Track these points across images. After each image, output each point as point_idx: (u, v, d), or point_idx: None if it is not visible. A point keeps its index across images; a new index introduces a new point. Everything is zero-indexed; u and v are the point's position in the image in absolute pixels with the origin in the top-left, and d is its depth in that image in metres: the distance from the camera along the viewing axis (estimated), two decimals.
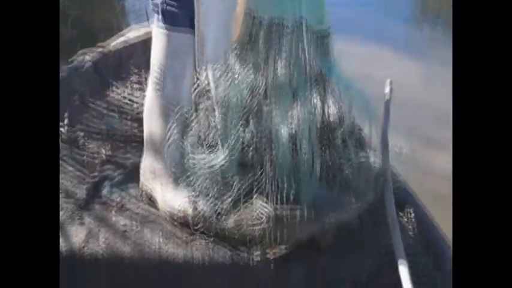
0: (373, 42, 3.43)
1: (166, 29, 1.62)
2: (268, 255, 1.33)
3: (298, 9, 1.34)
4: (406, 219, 1.53)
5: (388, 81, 1.60)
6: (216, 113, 1.43)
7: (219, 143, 1.39)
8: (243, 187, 1.36)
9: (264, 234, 1.31)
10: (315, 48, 1.37)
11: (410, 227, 1.53)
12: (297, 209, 1.32)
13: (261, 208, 1.31)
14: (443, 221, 1.45)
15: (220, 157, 1.37)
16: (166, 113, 1.54)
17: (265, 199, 1.33)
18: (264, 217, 1.30)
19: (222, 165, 1.37)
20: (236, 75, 1.40)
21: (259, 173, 1.36)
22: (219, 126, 1.39)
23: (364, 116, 1.45)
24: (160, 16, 1.61)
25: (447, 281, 1.29)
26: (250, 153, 1.39)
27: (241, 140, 1.38)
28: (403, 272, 1.24)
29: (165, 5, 1.60)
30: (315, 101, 1.41)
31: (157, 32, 1.63)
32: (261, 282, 1.34)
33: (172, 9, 1.60)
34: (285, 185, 1.33)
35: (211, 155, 1.38)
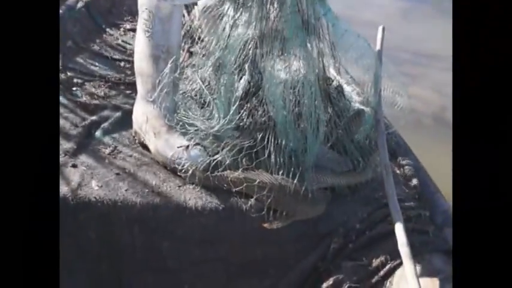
0: None
1: None
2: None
3: None
4: (399, 171, 1.53)
5: (380, 28, 1.56)
6: (209, 64, 1.42)
7: (212, 103, 1.37)
8: (241, 147, 1.33)
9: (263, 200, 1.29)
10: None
11: (402, 179, 1.51)
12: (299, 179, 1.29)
13: (264, 177, 1.28)
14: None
15: (214, 124, 1.35)
16: (156, 55, 1.48)
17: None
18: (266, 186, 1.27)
19: (218, 131, 1.35)
20: (231, 21, 1.38)
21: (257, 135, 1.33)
22: (211, 82, 1.39)
23: (361, 63, 1.44)
24: None
25: (440, 235, 1.35)
26: (248, 113, 1.36)
27: (237, 101, 1.34)
28: (396, 219, 1.24)
29: None
30: (313, 53, 1.39)
31: None
32: (247, 224, 1.32)
33: None
34: (286, 146, 1.32)
35: (206, 122, 1.37)
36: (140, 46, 1.53)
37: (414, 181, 1.50)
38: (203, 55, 1.43)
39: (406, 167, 1.52)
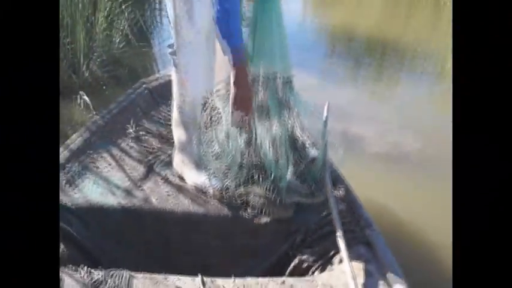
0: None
1: (174, 72, 2.03)
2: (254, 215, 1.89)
3: (275, 66, 1.96)
4: (337, 193, 2.01)
5: (326, 104, 2.17)
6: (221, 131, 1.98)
7: (222, 154, 1.94)
8: (242, 175, 1.92)
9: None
10: (284, 87, 1.99)
11: (340, 198, 2.00)
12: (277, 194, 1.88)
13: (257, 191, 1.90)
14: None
15: (226, 165, 1.93)
16: (186, 126, 2.03)
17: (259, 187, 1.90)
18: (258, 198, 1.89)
19: (228, 168, 1.93)
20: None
21: (253, 169, 1.92)
22: (220, 141, 1.95)
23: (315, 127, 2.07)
24: (172, 61, 2.02)
25: (362, 233, 1.82)
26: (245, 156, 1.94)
27: (239, 150, 1.93)
28: (337, 226, 1.76)
29: (170, 50, 2.02)
30: (286, 120, 1.98)
31: (173, 72, 2.04)
32: (246, 226, 1.89)
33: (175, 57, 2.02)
34: (270, 175, 1.89)
35: (220, 164, 1.94)
36: (176, 119, 2.07)
37: (346, 199, 2.00)
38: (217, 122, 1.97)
39: (341, 190, 2.03)
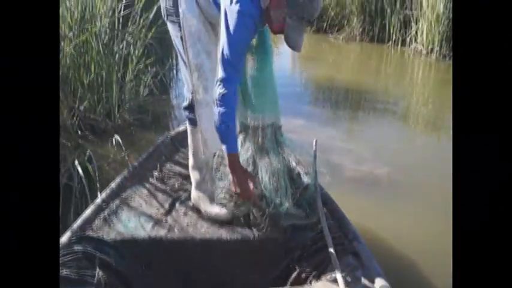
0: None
1: (189, 127, 2.14)
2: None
3: (270, 117, 2.02)
4: (326, 211, 2.06)
5: (315, 140, 2.23)
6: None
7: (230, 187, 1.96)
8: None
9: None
10: (278, 132, 2.06)
11: (329, 215, 2.05)
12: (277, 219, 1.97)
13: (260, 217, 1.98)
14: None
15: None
16: (200, 168, 2.13)
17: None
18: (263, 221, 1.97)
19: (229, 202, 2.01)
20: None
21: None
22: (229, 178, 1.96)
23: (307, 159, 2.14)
24: (187, 118, 2.14)
25: (351, 245, 1.86)
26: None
27: None
28: (329, 243, 1.82)
29: (186, 112, 2.12)
30: (283, 157, 2.05)
31: (188, 125, 2.14)
32: (253, 245, 1.96)
33: (190, 116, 2.11)
34: (271, 203, 1.97)
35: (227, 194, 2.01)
36: (191, 164, 2.18)
37: (335, 216, 2.04)
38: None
39: (330, 209, 2.08)
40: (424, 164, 3.78)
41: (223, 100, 1.78)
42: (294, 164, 2.14)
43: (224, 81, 1.78)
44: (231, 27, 1.74)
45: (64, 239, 1.76)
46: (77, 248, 1.75)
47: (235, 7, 1.72)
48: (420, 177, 3.49)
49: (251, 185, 1.91)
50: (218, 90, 1.78)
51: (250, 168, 2.01)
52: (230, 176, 1.91)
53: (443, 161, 3.49)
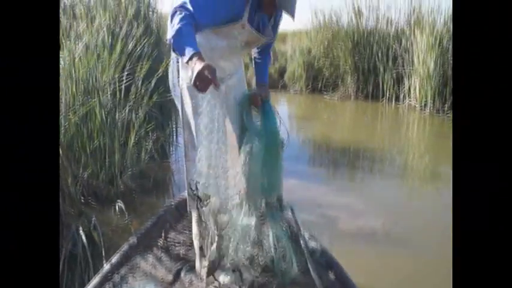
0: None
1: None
2: None
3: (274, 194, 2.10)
4: (333, 276, 2.05)
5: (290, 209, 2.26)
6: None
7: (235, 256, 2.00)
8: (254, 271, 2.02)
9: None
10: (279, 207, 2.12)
11: (336, 281, 2.02)
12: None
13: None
14: None
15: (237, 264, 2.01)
16: (203, 237, 2.07)
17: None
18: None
19: (234, 270, 2.01)
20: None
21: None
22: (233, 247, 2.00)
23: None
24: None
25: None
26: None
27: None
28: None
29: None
30: (287, 223, 2.12)
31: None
32: None
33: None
34: (279, 267, 1.98)
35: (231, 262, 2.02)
36: (194, 229, 2.20)
37: (340, 279, 2.01)
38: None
39: (335, 271, 2.06)
40: (422, 216, 3.84)
41: (178, 34, 1.76)
42: (296, 230, 2.17)
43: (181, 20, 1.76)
44: None
45: None
46: None
47: None
48: (418, 230, 3.53)
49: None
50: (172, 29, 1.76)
51: (252, 236, 2.03)
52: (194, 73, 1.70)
53: (441, 213, 3.58)
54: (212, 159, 1.96)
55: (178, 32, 1.74)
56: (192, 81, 1.69)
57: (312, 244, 2.19)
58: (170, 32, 1.77)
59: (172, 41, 1.76)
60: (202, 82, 1.68)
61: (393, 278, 2.90)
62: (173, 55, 2.17)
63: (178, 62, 2.14)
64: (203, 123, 1.94)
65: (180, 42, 1.75)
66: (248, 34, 2.01)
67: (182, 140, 2.21)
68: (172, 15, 1.79)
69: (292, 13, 1.85)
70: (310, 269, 2.00)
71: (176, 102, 2.21)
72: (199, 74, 1.67)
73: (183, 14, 1.77)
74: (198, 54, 1.70)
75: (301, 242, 2.13)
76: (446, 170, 4.80)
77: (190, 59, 1.70)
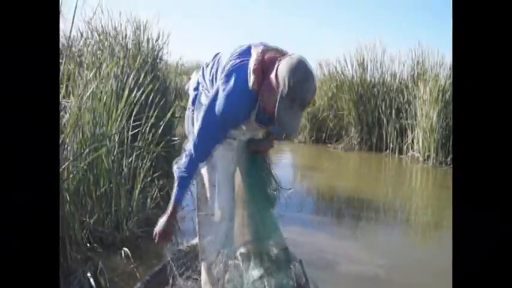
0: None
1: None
2: None
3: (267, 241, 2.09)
4: None
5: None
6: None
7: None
8: None
9: None
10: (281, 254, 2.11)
11: None
12: None
13: None
14: None
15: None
16: (212, 283, 2.17)
17: None
18: None
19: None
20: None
21: None
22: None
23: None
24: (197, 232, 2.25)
25: None
26: None
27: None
28: None
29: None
30: (292, 275, 2.06)
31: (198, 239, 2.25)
32: None
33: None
34: None
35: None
36: (203, 276, 2.21)
37: None
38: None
39: None
40: (423, 263, 3.88)
41: (187, 169, 1.98)
42: (303, 283, 2.14)
43: (194, 157, 1.96)
44: (218, 105, 1.83)
45: None
46: None
47: (227, 86, 1.81)
48: (420, 276, 3.58)
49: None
50: (185, 160, 1.98)
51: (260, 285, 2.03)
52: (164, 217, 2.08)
53: (442, 259, 3.60)
54: (225, 212, 2.08)
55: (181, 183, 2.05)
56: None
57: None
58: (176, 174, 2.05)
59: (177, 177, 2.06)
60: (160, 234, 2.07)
61: None
62: (189, 103, 2.28)
63: (193, 111, 2.24)
64: (218, 178, 2.10)
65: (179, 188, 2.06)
66: (253, 126, 2.07)
67: (195, 192, 2.28)
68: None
69: (291, 132, 1.83)
70: None
71: None
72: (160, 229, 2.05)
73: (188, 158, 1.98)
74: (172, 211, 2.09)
75: None
76: (449, 220, 4.84)
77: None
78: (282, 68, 1.71)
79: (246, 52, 1.86)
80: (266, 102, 1.79)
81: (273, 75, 1.74)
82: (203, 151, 1.95)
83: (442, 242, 4.50)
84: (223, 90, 1.81)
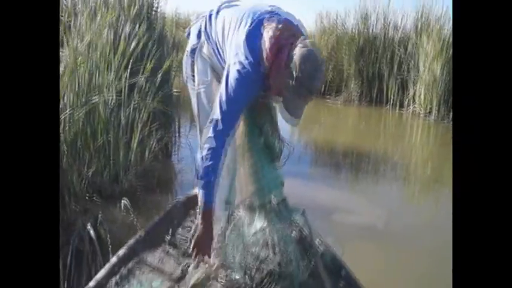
0: None
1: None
2: None
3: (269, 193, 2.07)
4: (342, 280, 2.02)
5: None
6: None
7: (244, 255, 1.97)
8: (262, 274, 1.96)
9: None
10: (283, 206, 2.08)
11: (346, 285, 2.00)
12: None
13: None
14: None
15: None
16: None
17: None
18: None
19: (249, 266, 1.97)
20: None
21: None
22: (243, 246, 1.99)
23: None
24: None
25: None
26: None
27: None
28: None
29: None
30: (293, 227, 2.07)
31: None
32: None
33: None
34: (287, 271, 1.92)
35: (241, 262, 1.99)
36: None
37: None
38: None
39: (347, 280, 2.03)
40: (422, 216, 3.97)
41: (211, 153, 1.85)
42: (306, 233, 2.15)
43: (215, 134, 1.85)
44: (231, 84, 1.82)
45: None
46: None
47: (238, 66, 1.81)
48: (419, 229, 3.65)
49: (211, 248, 1.94)
50: (207, 144, 1.86)
51: (260, 239, 2.03)
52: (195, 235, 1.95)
53: (441, 216, 3.65)
54: (228, 160, 2.01)
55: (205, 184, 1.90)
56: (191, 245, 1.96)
57: (322, 248, 2.18)
58: (200, 169, 1.89)
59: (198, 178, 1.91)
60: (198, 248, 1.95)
61: (394, 274, 2.99)
62: (188, 48, 2.25)
63: (193, 58, 2.21)
64: None
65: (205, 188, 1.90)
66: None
67: (198, 136, 2.23)
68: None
69: (295, 116, 1.85)
70: (320, 273, 2.00)
71: (190, 92, 2.26)
72: (197, 241, 1.94)
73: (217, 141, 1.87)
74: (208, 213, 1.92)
75: (311, 245, 2.12)
76: (448, 176, 4.88)
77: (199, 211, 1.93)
78: (296, 56, 1.74)
79: (259, 24, 1.86)
80: (273, 88, 1.83)
81: (284, 61, 1.76)
82: (224, 136, 1.89)
83: (441, 198, 4.55)
84: (236, 71, 1.82)
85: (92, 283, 1.93)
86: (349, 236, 3.46)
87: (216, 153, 1.86)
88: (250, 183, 2.11)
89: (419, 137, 7.42)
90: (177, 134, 5.62)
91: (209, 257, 1.94)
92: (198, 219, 1.95)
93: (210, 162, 1.85)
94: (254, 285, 1.95)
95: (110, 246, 2.54)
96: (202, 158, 1.87)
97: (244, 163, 2.13)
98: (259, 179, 2.10)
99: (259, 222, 2.06)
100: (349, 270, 2.12)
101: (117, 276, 2.01)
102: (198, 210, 1.97)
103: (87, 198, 3.38)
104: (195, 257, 1.97)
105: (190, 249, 1.98)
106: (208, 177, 1.87)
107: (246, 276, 1.97)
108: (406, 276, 3.00)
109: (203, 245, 1.94)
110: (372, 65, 9.44)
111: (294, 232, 2.08)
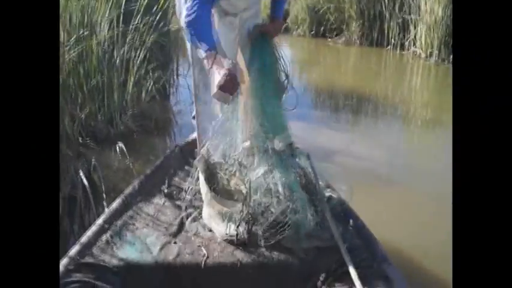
0: None
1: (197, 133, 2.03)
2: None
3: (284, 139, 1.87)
4: (352, 228, 1.85)
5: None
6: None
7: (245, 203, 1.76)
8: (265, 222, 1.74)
9: None
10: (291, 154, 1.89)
11: (355, 233, 1.83)
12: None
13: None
14: None
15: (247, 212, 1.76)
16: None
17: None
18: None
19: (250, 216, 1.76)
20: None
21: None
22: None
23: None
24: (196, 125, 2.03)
25: (380, 268, 1.65)
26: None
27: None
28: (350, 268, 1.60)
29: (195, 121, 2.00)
30: (299, 171, 1.89)
31: (196, 134, 2.05)
32: (272, 270, 1.71)
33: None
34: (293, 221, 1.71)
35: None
36: (200, 174, 1.97)
37: (361, 235, 1.82)
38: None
39: (355, 226, 1.86)
40: (422, 157, 3.82)
41: (196, 23, 1.77)
42: (311, 177, 1.95)
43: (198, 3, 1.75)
44: None
45: (61, 266, 1.54)
46: (76, 276, 1.53)
47: None
48: (419, 170, 3.51)
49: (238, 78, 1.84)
50: (190, 12, 1.76)
51: (263, 185, 1.82)
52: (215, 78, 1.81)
53: (442, 159, 3.49)
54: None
55: (197, 20, 1.76)
56: (216, 95, 1.80)
57: (328, 193, 2.02)
58: (186, 16, 1.77)
59: (187, 27, 1.79)
60: (228, 92, 1.79)
61: (395, 214, 2.87)
62: None
63: None
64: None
65: (197, 32, 1.79)
66: None
67: (192, 81, 2.02)
68: None
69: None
70: (328, 218, 1.81)
71: (184, 34, 2.03)
72: (223, 87, 1.77)
73: None
74: (213, 55, 1.76)
75: (317, 191, 1.91)
76: (448, 118, 4.70)
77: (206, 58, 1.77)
78: None
79: None
80: None
81: None
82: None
83: (441, 139, 4.37)
84: None
85: (78, 245, 1.69)
86: (350, 178, 3.28)
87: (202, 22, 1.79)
88: (253, 124, 1.90)
89: (420, 78, 7.19)
90: (174, 75, 5.32)
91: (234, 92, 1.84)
92: (213, 69, 1.81)
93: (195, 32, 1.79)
94: (258, 236, 1.76)
95: (104, 194, 2.35)
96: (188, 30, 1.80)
97: (246, 102, 1.92)
98: (264, 120, 1.90)
99: (261, 168, 1.84)
100: (357, 215, 1.95)
101: (108, 234, 1.79)
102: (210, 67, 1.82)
103: (80, 142, 3.16)
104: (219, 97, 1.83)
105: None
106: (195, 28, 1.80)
107: (250, 225, 1.78)
108: (407, 218, 2.87)
109: (228, 85, 1.79)
110: (373, 6, 9.07)
111: (299, 177, 1.89)
